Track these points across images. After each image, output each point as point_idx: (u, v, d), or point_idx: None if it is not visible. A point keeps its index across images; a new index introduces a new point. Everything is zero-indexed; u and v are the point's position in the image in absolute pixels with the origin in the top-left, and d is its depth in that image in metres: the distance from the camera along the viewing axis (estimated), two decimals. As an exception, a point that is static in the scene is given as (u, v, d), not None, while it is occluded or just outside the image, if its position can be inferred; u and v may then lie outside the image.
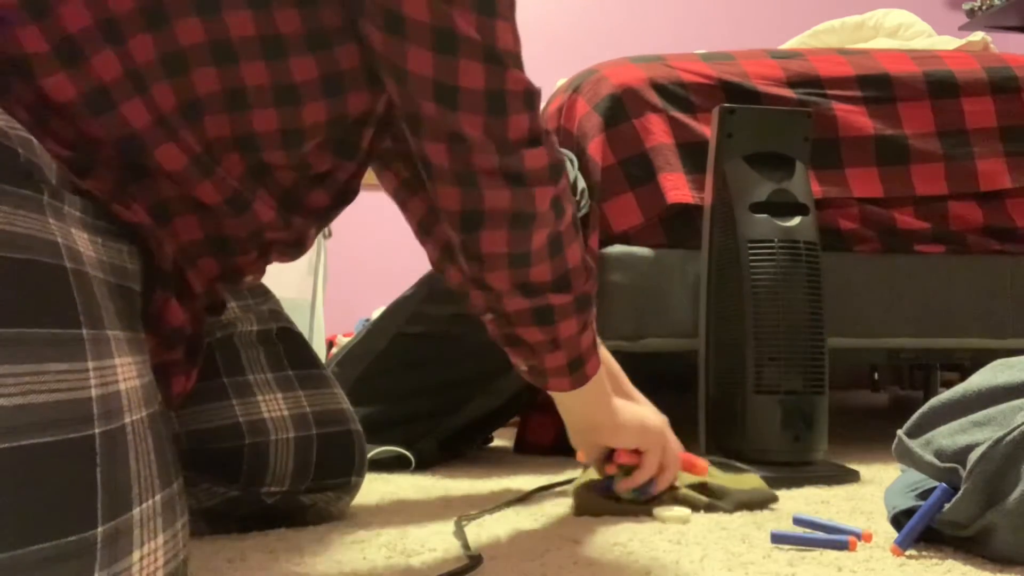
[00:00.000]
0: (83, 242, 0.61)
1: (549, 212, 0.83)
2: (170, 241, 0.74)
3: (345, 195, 0.86)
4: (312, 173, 0.81)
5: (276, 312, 1.04)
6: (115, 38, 0.69)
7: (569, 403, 0.98)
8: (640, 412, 1.02)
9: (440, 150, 0.78)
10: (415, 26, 0.73)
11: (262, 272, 0.87)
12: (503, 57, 0.76)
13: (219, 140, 0.74)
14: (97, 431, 0.54)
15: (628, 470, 1.02)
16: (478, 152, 0.78)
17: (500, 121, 0.77)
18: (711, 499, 1.06)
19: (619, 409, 0.99)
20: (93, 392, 0.55)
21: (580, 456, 1.06)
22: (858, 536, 0.86)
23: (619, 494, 1.03)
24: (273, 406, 0.96)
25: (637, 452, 1.01)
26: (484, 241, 0.81)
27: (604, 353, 1.06)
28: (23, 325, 0.53)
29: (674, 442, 1.04)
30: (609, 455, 1.02)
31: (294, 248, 0.86)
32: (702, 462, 1.09)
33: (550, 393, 0.97)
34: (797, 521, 0.93)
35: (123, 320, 0.62)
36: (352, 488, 1.01)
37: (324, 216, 0.86)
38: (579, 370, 0.92)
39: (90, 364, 0.55)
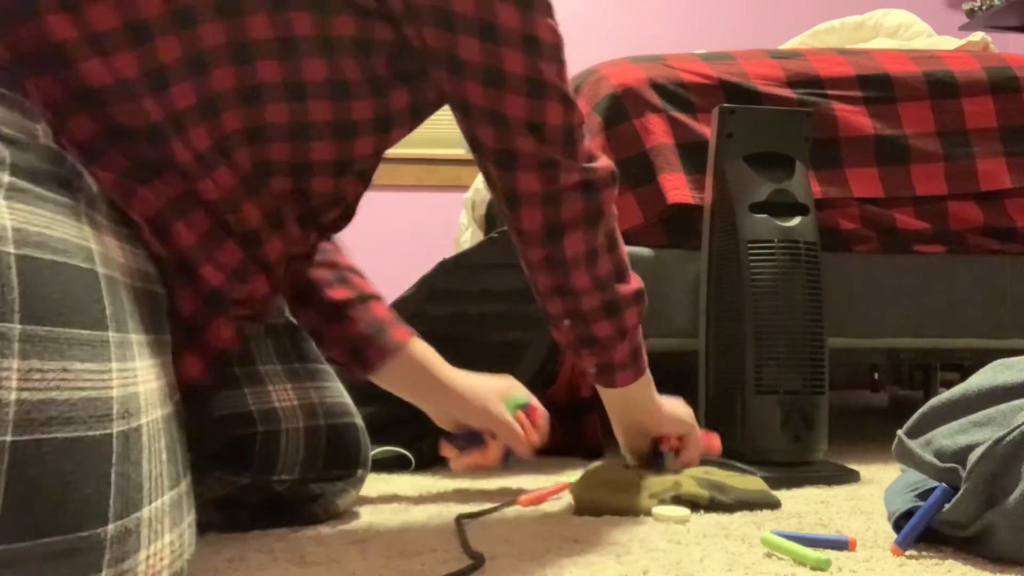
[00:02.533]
0: (115, 249, 0.63)
1: (611, 210, 0.98)
2: (165, 245, 0.76)
3: (350, 212, 0.92)
4: (342, 199, 0.87)
5: (281, 308, 1.06)
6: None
7: (628, 399, 1.09)
8: (673, 400, 1.16)
9: (532, 178, 0.91)
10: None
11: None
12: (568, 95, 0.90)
13: (276, 162, 0.81)
14: (115, 430, 0.55)
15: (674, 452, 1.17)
16: (564, 172, 0.91)
17: (573, 148, 0.92)
18: (712, 492, 1.05)
19: (660, 399, 1.13)
20: (114, 392, 0.56)
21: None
22: (845, 545, 0.86)
23: (673, 469, 1.14)
24: (283, 395, 0.97)
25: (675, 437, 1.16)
26: (567, 246, 0.95)
27: None
28: (55, 324, 0.54)
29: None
30: (654, 442, 1.16)
31: (305, 260, 0.93)
32: (716, 440, 1.25)
33: (605, 399, 1.10)
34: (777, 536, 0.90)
35: (147, 323, 0.64)
36: (358, 481, 1.02)
37: (330, 229, 0.92)
38: (639, 359, 1.05)
39: (113, 365, 0.57)
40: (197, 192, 0.76)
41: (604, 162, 0.97)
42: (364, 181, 0.91)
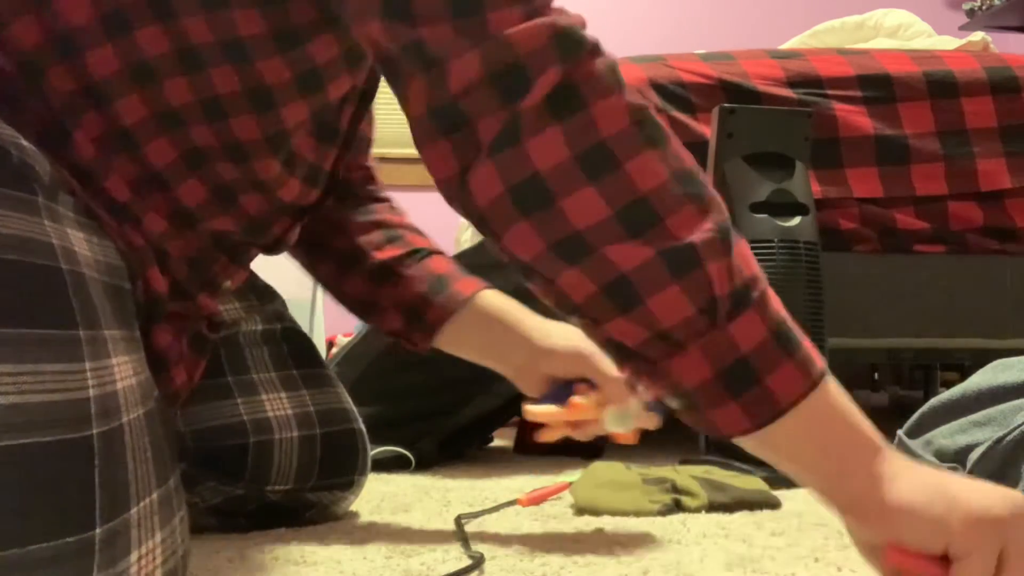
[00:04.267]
0: (78, 242, 0.60)
1: (573, 114, 0.57)
2: (136, 235, 0.72)
3: (331, 187, 0.84)
4: (302, 167, 0.77)
5: (281, 313, 1.04)
6: (68, 50, 0.67)
7: (786, 462, 0.58)
8: (948, 484, 0.56)
9: (416, 84, 0.60)
10: None
11: (243, 276, 0.86)
12: None
13: (208, 148, 0.72)
14: (95, 431, 0.54)
15: None
16: (455, 60, 0.57)
17: (469, 17, 0.58)
18: (711, 492, 1.05)
19: (898, 475, 0.56)
20: (91, 392, 0.55)
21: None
22: None
23: None
24: (277, 405, 0.96)
25: (944, 557, 0.55)
26: (476, 189, 0.59)
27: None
28: (20, 326, 0.52)
29: None
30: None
31: (273, 247, 0.84)
32: None
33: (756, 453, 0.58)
34: None
35: (118, 319, 0.62)
36: (356, 487, 1.01)
37: (312, 210, 0.84)
38: (751, 388, 0.56)
39: (87, 364, 0.55)
40: (106, 188, 0.69)
41: (546, 21, 0.60)
42: (329, 139, 0.76)
